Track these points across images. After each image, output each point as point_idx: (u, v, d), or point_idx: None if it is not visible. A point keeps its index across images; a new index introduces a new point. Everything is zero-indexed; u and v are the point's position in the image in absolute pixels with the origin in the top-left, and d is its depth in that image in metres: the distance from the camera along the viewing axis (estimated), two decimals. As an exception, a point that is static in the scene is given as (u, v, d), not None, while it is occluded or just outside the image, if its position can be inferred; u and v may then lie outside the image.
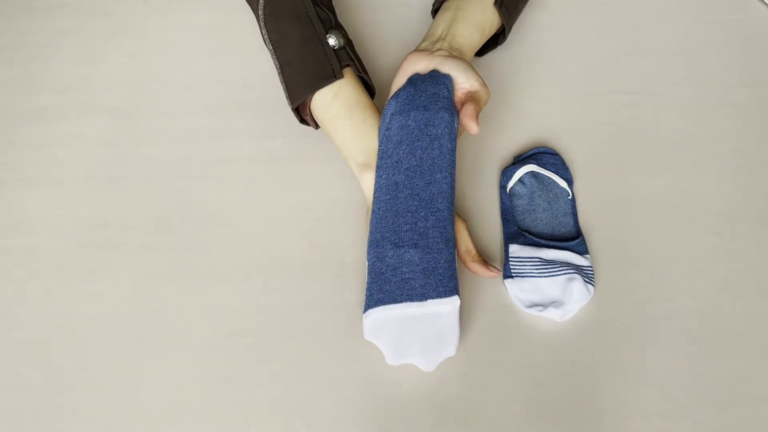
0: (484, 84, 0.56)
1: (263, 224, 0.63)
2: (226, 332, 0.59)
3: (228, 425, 0.55)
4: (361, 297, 0.60)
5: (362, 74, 0.59)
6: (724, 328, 0.59)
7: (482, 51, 0.69)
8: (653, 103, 0.70)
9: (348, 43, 0.60)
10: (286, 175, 0.66)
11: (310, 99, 0.58)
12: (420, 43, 0.61)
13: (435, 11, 0.67)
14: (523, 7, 0.68)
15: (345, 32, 0.61)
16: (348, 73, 0.58)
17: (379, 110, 0.60)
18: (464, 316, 0.59)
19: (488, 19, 0.63)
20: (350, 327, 0.59)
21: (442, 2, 0.65)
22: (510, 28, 0.66)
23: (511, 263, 0.60)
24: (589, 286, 0.59)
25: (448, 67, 0.56)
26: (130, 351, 0.58)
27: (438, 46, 0.59)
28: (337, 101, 0.57)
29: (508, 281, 0.60)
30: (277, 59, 0.59)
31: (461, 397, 0.56)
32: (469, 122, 0.53)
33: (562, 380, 0.57)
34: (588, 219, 0.64)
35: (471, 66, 0.57)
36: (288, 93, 0.59)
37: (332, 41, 0.58)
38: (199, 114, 0.70)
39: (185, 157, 0.67)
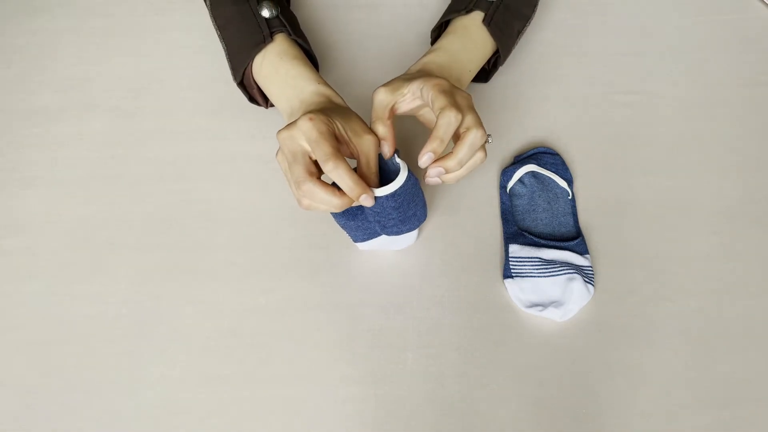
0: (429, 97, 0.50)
1: (263, 224, 0.63)
2: (226, 332, 0.59)
3: (228, 425, 0.55)
4: (361, 297, 0.60)
5: (294, 37, 0.60)
6: (724, 328, 0.59)
7: (486, 76, 0.68)
8: (653, 103, 0.70)
9: (283, 12, 0.60)
10: (286, 175, 0.66)
11: (251, 71, 0.60)
12: None
13: (433, 42, 0.66)
14: (521, 28, 0.65)
15: (283, 2, 0.62)
16: (280, 38, 0.59)
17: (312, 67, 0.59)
18: (464, 316, 0.59)
19: (480, 39, 0.61)
20: (350, 327, 0.59)
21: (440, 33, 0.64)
22: (505, 49, 0.62)
23: (511, 263, 0.60)
24: (589, 286, 0.59)
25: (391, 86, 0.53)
26: (130, 351, 0.58)
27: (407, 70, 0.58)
28: (266, 61, 0.58)
29: (508, 281, 0.60)
30: (224, 40, 0.62)
31: (461, 397, 0.56)
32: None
33: (562, 380, 0.57)
34: (588, 219, 0.64)
35: (424, 77, 0.52)
36: (232, 70, 0.61)
37: (266, 12, 0.59)
38: (199, 114, 0.69)
39: (185, 157, 0.67)
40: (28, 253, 0.63)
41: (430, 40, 0.67)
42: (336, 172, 0.46)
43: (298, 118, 0.48)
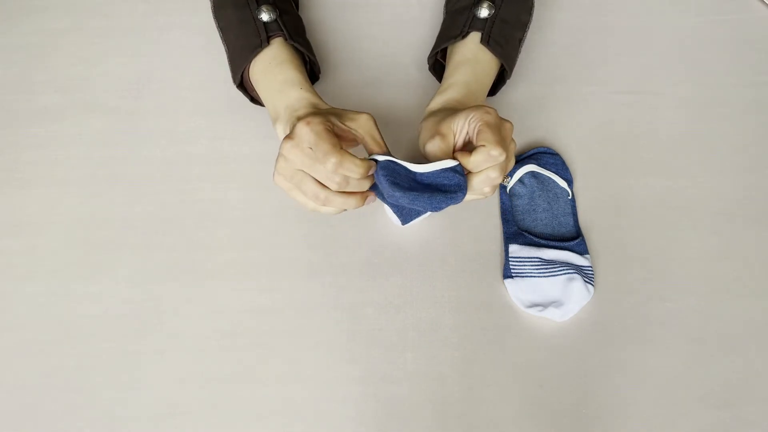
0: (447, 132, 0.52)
1: (263, 224, 0.63)
2: (226, 332, 0.59)
3: (228, 425, 0.55)
4: (361, 297, 0.60)
5: (290, 42, 0.59)
6: (724, 328, 0.59)
7: (493, 90, 0.66)
8: (653, 103, 0.70)
9: (283, 15, 0.60)
10: (286, 175, 0.66)
11: (248, 74, 0.60)
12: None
13: (432, 67, 0.67)
14: (521, 36, 0.64)
15: (285, 6, 0.62)
16: (277, 42, 0.59)
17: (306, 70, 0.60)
18: (464, 316, 0.59)
19: (486, 61, 0.60)
20: (350, 327, 0.59)
21: (437, 57, 0.64)
22: (510, 63, 0.62)
23: (511, 263, 0.60)
24: (589, 286, 0.59)
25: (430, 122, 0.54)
26: (130, 351, 0.58)
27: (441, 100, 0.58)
28: (257, 65, 0.59)
29: (508, 281, 0.60)
30: (225, 44, 0.63)
31: (461, 397, 0.56)
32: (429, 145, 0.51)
33: (562, 380, 0.57)
34: (588, 219, 0.64)
35: (471, 109, 0.52)
36: (232, 72, 0.62)
37: (264, 17, 0.59)
38: (199, 114, 0.69)
39: (185, 157, 0.67)
40: (28, 253, 0.63)
41: (429, 52, 0.66)
42: (342, 165, 0.48)
43: (296, 125, 0.48)
